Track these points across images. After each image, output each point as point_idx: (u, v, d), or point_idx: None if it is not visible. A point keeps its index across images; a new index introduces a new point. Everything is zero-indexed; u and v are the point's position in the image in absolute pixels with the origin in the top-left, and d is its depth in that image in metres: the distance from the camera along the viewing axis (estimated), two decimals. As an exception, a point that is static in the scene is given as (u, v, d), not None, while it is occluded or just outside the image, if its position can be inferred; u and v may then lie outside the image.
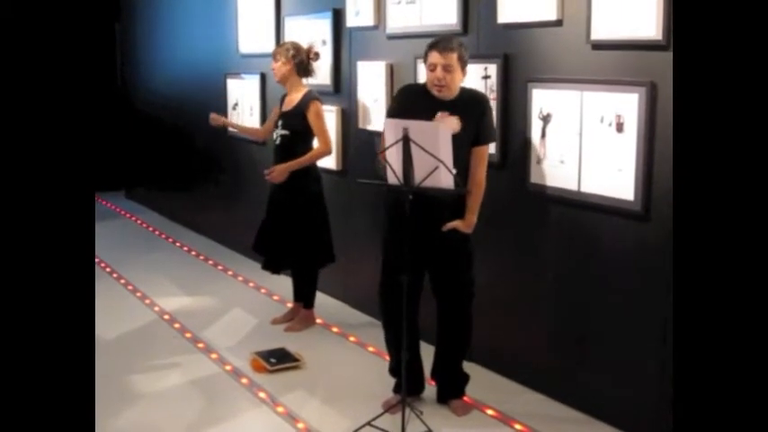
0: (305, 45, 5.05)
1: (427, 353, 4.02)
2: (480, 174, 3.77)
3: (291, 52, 4.95)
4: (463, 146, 3.66)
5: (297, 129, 4.89)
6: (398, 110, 3.75)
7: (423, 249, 3.74)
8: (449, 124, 3.58)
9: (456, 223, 3.73)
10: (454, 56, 3.63)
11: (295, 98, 4.97)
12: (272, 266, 5.18)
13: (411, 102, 3.76)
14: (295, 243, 4.98)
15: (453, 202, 3.72)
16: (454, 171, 3.37)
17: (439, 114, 3.64)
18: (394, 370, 3.97)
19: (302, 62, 4.98)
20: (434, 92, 3.69)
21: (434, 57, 3.64)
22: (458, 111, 3.67)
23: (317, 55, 5.08)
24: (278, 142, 4.98)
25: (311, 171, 4.99)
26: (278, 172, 4.92)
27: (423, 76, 4.50)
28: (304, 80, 5.04)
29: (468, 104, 3.73)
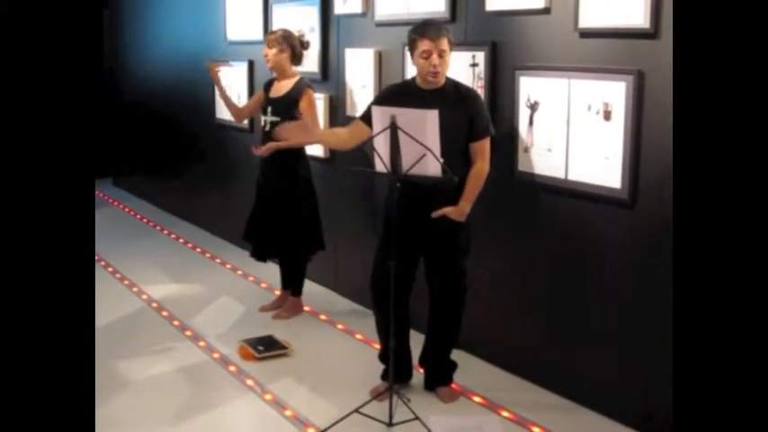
0: (295, 32, 5.04)
1: (418, 341, 4.03)
2: (480, 165, 3.72)
3: (288, 40, 4.93)
4: (456, 138, 3.62)
5: (288, 115, 4.86)
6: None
7: (416, 237, 3.74)
8: None
9: (447, 210, 3.68)
10: (445, 40, 3.61)
11: (286, 85, 4.95)
12: (260, 254, 5.18)
13: (396, 100, 3.65)
14: (284, 230, 4.97)
15: (451, 191, 3.67)
16: (442, 160, 3.36)
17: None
18: (383, 356, 3.98)
19: (295, 49, 4.97)
20: (430, 79, 3.65)
21: (427, 44, 3.59)
22: (446, 101, 3.64)
23: (307, 44, 5.07)
24: (267, 129, 4.94)
25: (300, 158, 4.97)
26: (267, 148, 4.89)
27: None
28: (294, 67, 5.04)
29: (458, 96, 3.69)
